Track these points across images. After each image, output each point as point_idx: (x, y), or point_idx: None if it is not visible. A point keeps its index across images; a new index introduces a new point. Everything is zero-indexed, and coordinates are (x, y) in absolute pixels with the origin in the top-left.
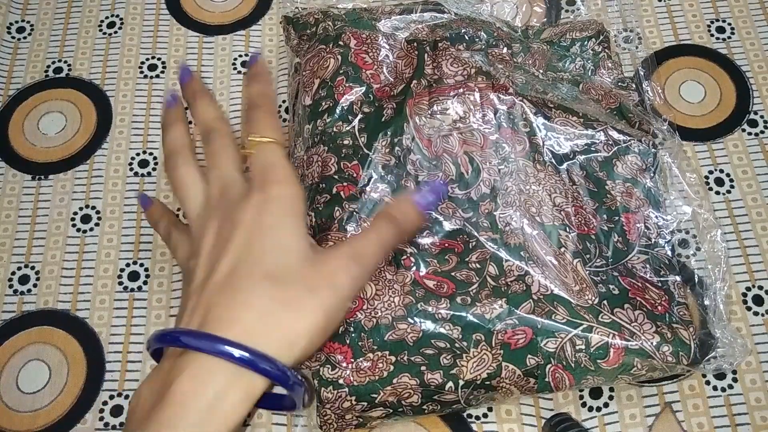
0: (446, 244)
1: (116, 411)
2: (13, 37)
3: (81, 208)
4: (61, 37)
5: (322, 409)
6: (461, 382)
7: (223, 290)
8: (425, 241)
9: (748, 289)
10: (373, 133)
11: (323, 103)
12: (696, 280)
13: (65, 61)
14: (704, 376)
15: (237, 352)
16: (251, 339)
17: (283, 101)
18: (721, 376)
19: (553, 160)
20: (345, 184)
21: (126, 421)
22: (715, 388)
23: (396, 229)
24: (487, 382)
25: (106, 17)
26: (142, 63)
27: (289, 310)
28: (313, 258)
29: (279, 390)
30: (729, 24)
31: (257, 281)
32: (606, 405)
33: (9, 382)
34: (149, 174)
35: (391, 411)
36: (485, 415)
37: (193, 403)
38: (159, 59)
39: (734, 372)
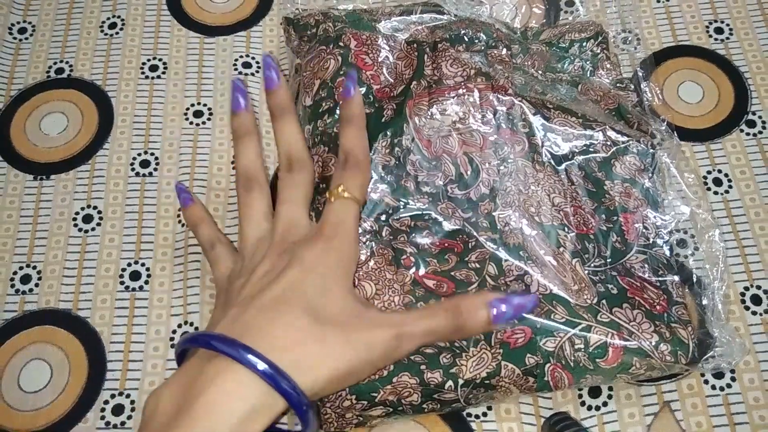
0: (446, 244)
1: (117, 410)
2: (14, 38)
3: (83, 208)
4: (62, 37)
5: (323, 408)
6: (461, 381)
7: (266, 312)
8: (425, 241)
9: (746, 288)
10: (373, 133)
11: (324, 104)
12: (694, 279)
13: (67, 62)
14: (703, 375)
15: (261, 365)
16: (279, 358)
17: None
18: (719, 375)
19: (552, 161)
20: None
21: (143, 425)
22: (713, 387)
23: (454, 323)
24: (487, 381)
25: (108, 18)
26: (144, 64)
27: (320, 346)
28: (359, 313)
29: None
30: (727, 25)
31: (299, 313)
32: (605, 404)
33: (10, 382)
34: (151, 174)
35: (391, 410)
36: (485, 414)
37: (221, 417)
38: (160, 60)
39: (733, 371)
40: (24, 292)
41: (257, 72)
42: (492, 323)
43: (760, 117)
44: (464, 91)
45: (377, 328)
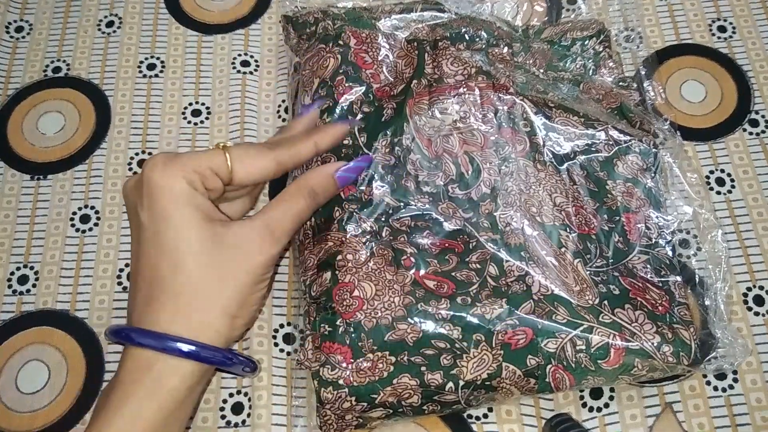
0: (446, 245)
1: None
2: (11, 37)
3: (80, 208)
4: (59, 36)
5: (322, 410)
6: (461, 383)
7: (143, 292)
8: (425, 241)
9: (749, 289)
10: (373, 132)
11: (323, 103)
12: (697, 280)
13: (64, 61)
14: (705, 376)
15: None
16: (171, 328)
17: (283, 101)
18: (721, 376)
19: (553, 160)
20: None
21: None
22: (715, 388)
23: (314, 202)
24: (488, 383)
25: (105, 16)
26: (141, 62)
27: (202, 297)
28: (220, 239)
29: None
30: (730, 23)
31: (166, 275)
32: (606, 405)
33: (8, 383)
34: None
35: (391, 411)
36: (485, 416)
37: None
38: (158, 59)
39: (735, 372)
40: (21, 293)
41: (255, 71)
42: (338, 188)
43: (763, 116)
44: (465, 89)
45: (246, 244)
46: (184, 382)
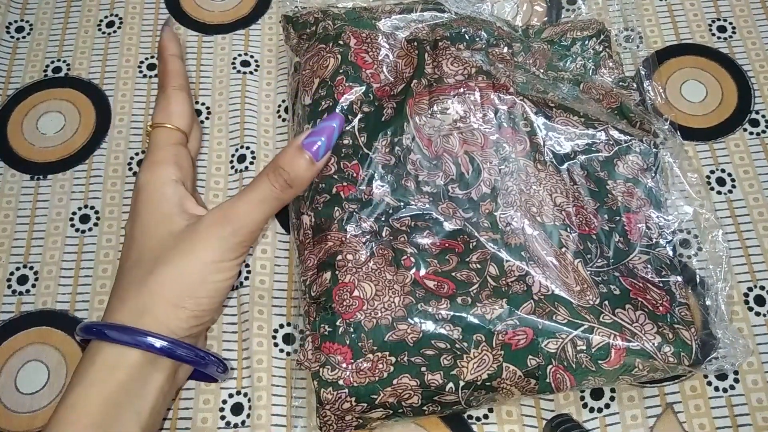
0: (446, 245)
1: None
2: (12, 37)
3: (80, 208)
4: (60, 36)
5: (322, 410)
6: (462, 383)
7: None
8: (425, 241)
9: (750, 289)
10: (373, 132)
11: (323, 103)
12: (697, 280)
13: (64, 61)
14: (706, 376)
15: (159, 343)
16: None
17: (283, 101)
18: (722, 376)
19: (553, 160)
20: (345, 184)
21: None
22: (716, 388)
23: (281, 183)
24: (488, 383)
25: (106, 17)
26: (141, 62)
27: (147, 287)
28: (179, 235)
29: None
30: (730, 23)
31: (127, 272)
32: (607, 406)
33: (7, 383)
34: None
35: (391, 412)
36: (486, 416)
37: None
38: (158, 59)
39: (736, 373)
40: (21, 293)
41: (255, 71)
42: (314, 162)
43: (763, 116)
44: (465, 89)
45: (206, 238)
46: (127, 371)
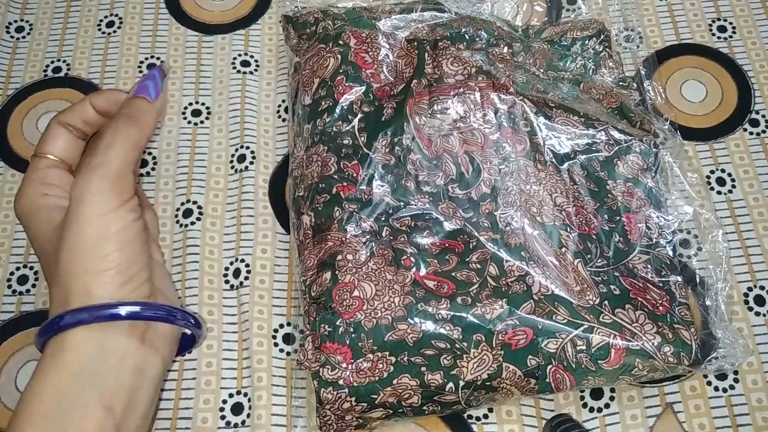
0: (446, 244)
1: None
2: (12, 37)
3: None
4: (59, 36)
5: (322, 410)
6: (461, 383)
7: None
8: (425, 241)
9: (750, 289)
10: (373, 132)
11: (323, 103)
12: (697, 280)
13: (64, 61)
14: (705, 376)
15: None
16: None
17: (283, 101)
18: (722, 376)
19: (553, 160)
20: (345, 184)
21: None
22: (716, 388)
23: (124, 118)
24: (488, 383)
25: (105, 16)
26: (141, 62)
27: (69, 269)
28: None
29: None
30: (730, 23)
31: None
32: (607, 406)
33: (7, 383)
34: (148, 174)
35: (391, 412)
36: (486, 416)
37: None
38: (158, 59)
39: (736, 372)
40: (21, 293)
41: (255, 71)
42: (149, 98)
43: (763, 116)
44: (465, 89)
45: (80, 198)
46: (74, 353)
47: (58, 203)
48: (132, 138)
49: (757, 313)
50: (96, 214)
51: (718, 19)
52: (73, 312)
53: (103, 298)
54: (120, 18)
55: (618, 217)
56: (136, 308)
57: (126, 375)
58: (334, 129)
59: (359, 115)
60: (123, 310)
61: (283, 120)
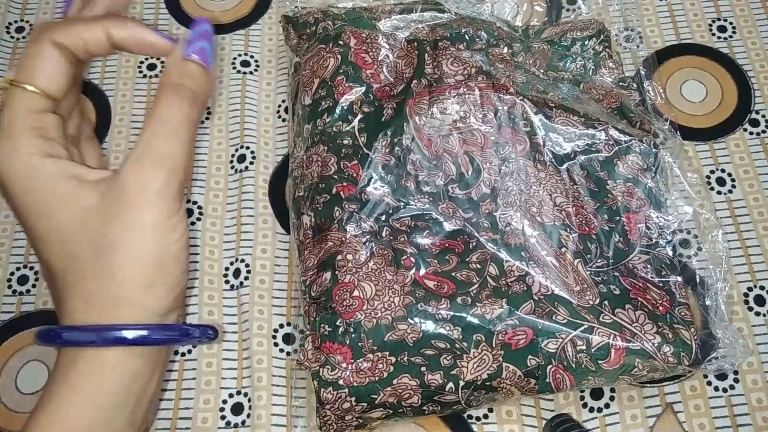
0: (446, 245)
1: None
2: (12, 37)
3: None
4: None
5: (322, 410)
6: (462, 383)
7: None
8: (425, 241)
9: (750, 289)
10: (373, 132)
11: (323, 103)
12: (697, 280)
13: None
14: (705, 376)
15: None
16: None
17: (283, 101)
18: (722, 376)
19: (553, 160)
20: (345, 184)
21: None
22: (716, 388)
23: (183, 96)
24: (488, 383)
25: None
26: (141, 62)
27: (104, 277)
28: (101, 205)
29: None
30: (730, 23)
31: (81, 265)
32: (607, 406)
33: (8, 383)
34: None
35: (391, 412)
36: (486, 416)
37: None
38: (158, 58)
39: (736, 372)
40: (21, 293)
41: (255, 71)
42: (207, 67)
43: (763, 116)
44: (465, 89)
45: (123, 195)
46: (115, 373)
47: (73, 171)
48: (194, 122)
49: (757, 313)
50: (160, 220)
51: (718, 19)
52: (77, 329)
53: (156, 312)
54: None
55: (618, 217)
56: (146, 333)
57: (150, 389)
58: (334, 129)
59: (359, 116)
60: (130, 335)
61: (283, 120)
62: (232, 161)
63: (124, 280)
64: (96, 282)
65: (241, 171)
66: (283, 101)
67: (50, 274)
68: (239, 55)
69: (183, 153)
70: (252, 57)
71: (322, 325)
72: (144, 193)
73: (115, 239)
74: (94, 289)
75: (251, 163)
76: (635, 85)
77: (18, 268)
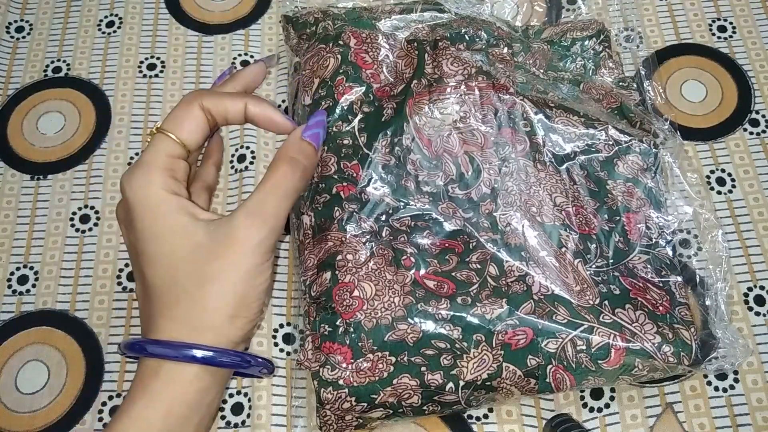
0: (446, 245)
1: (115, 412)
2: (12, 37)
3: (80, 208)
4: (60, 36)
5: (322, 410)
6: (462, 383)
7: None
8: (425, 241)
9: (750, 289)
10: (373, 132)
11: (323, 103)
12: (697, 280)
13: (64, 61)
14: (706, 376)
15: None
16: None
17: (283, 101)
18: (722, 376)
19: (553, 160)
20: (345, 184)
21: None
22: (716, 388)
23: (296, 168)
24: (488, 383)
25: (105, 17)
26: (141, 62)
27: (196, 303)
28: (208, 243)
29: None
30: (730, 23)
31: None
32: (607, 406)
33: (8, 383)
34: None
35: (391, 412)
36: (486, 416)
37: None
38: (158, 59)
39: (736, 372)
40: (21, 293)
41: None
42: (316, 147)
43: (763, 116)
44: (465, 89)
45: (231, 237)
46: (191, 386)
47: (190, 210)
48: (299, 191)
49: (757, 313)
50: (255, 265)
51: (718, 19)
52: (158, 343)
53: (232, 340)
54: (120, 18)
55: (618, 217)
56: (213, 354)
57: (214, 408)
58: (334, 129)
59: (359, 116)
60: (199, 353)
61: None
62: (232, 161)
63: (214, 309)
64: (190, 306)
65: (241, 171)
66: (283, 101)
67: (147, 294)
68: (239, 55)
69: (286, 215)
70: (252, 57)
71: (322, 325)
72: (249, 241)
73: (214, 274)
74: (186, 312)
75: (251, 163)
76: (635, 85)
77: (18, 268)
